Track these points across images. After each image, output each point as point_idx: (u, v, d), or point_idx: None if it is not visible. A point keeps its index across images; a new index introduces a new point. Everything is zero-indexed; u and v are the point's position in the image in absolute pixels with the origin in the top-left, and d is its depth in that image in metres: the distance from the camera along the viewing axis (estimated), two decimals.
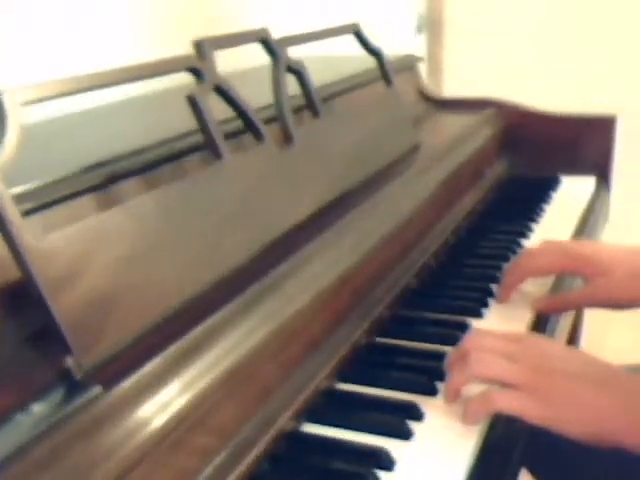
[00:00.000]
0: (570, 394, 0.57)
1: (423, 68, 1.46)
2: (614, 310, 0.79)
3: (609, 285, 0.77)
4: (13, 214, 0.45)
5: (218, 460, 0.52)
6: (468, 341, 0.63)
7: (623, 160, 1.31)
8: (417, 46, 2.21)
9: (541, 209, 1.11)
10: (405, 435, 0.57)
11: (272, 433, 0.56)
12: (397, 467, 0.54)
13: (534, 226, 1.04)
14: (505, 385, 0.59)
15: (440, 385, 0.63)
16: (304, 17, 1.49)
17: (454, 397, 0.61)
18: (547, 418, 0.57)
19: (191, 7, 1.14)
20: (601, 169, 1.27)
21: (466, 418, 0.59)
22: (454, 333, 0.72)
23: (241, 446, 0.54)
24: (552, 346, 0.63)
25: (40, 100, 0.50)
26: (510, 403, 0.57)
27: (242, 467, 0.53)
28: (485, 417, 0.60)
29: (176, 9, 1.11)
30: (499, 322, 0.77)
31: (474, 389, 0.60)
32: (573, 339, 1.31)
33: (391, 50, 1.01)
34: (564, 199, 1.17)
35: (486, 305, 0.80)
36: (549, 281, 0.86)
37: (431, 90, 1.37)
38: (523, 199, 1.14)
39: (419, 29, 2.25)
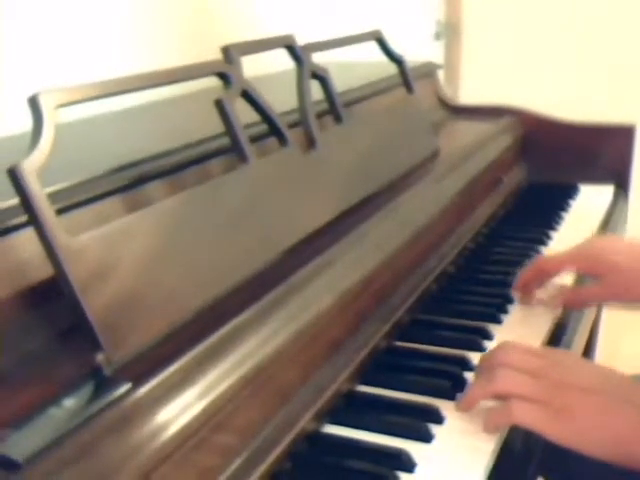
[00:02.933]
0: (591, 413, 0.56)
1: (441, 75, 1.47)
2: (627, 306, 0.80)
3: (618, 282, 0.77)
4: (48, 213, 0.46)
5: (241, 459, 0.53)
6: (494, 356, 0.63)
7: None
8: (435, 53, 2.22)
9: (559, 217, 1.11)
10: (426, 438, 0.58)
11: (294, 433, 0.57)
12: (417, 469, 0.55)
13: (552, 234, 1.05)
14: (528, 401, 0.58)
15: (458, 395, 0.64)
16: (325, 25, 1.50)
17: (469, 408, 0.61)
18: (567, 436, 0.56)
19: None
20: (619, 178, 1.27)
21: (486, 427, 0.59)
22: (474, 338, 0.73)
23: (263, 446, 0.55)
24: (577, 363, 0.62)
25: (74, 102, 0.51)
26: (530, 418, 0.57)
27: (264, 466, 0.53)
28: (505, 427, 0.60)
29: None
30: (518, 328, 0.77)
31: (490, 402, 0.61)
32: (589, 346, 1.31)
33: (409, 56, 1.02)
34: (582, 207, 1.18)
35: (505, 311, 0.80)
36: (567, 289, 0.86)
37: (450, 97, 1.38)
38: (542, 207, 1.14)
39: (437, 36, 2.26)
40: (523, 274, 0.84)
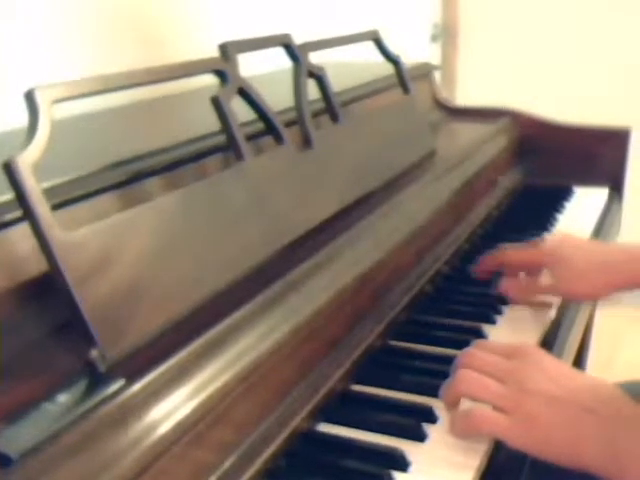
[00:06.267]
0: (551, 420, 0.54)
1: (437, 76, 1.47)
2: (578, 301, 0.81)
3: (570, 278, 0.78)
4: (43, 208, 0.46)
5: (235, 456, 0.53)
6: (461, 356, 0.62)
7: (636, 172, 1.32)
8: (431, 55, 2.22)
9: (554, 219, 1.11)
10: (419, 437, 0.58)
11: (288, 431, 0.57)
12: (411, 468, 0.55)
13: (547, 235, 1.05)
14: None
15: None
16: (322, 28, 1.50)
17: (451, 407, 0.61)
18: (527, 444, 0.55)
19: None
20: (614, 181, 1.28)
21: (454, 434, 0.58)
22: (468, 338, 0.73)
23: (258, 443, 0.54)
24: (546, 365, 0.59)
25: (71, 98, 0.51)
26: (492, 427, 0.56)
27: (259, 463, 0.53)
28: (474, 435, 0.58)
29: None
30: (512, 329, 0.78)
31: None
32: (582, 347, 1.31)
33: (406, 58, 1.02)
34: (577, 209, 1.18)
35: (499, 312, 0.80)
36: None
37: (446, 98, 1.38)
38: (536, 208, 1.14)
39: (434, 38, 2.27)
40: (484, 261, 0.86)
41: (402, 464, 0.55)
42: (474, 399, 0.59)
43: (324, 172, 0.76)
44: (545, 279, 0.83)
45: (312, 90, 0.79)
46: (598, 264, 0.78)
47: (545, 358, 0.61)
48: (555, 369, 0.59)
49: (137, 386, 0.46)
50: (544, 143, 1.29)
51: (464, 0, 2.30)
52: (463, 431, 0.58)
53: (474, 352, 0.62)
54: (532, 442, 0.55)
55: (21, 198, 0.46)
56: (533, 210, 1.14)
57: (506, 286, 0.82)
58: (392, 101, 0.99)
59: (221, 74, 0.66)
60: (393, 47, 0.98)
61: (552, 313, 0.81)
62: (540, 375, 0.58)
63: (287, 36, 0.77)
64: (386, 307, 0.75)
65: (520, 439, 0.55)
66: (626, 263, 0.78)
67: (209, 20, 1.22)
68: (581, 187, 1.27)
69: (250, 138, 0.69)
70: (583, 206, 1.20)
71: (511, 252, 0.85)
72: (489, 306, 0.81)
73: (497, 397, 0.57)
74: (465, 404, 0.60)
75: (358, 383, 0.66)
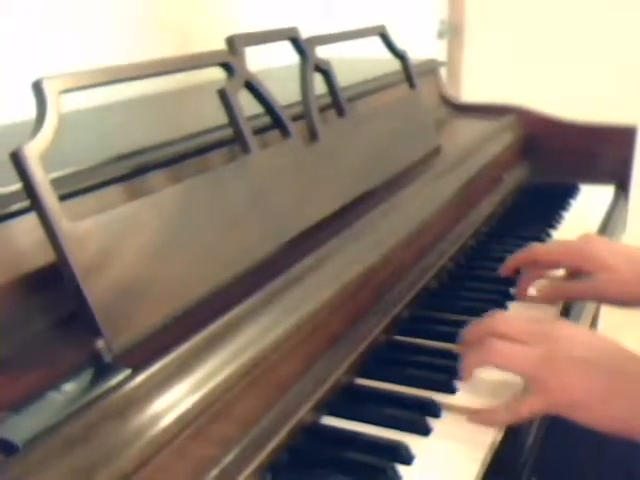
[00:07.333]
0: (583, 383, 0.56)
1: (443, 73, 1.47)
2: (619, 307, 0.79)
3: (613, 282, 0.77)
4: (51, 199, 0.46)
5: (238, 449, 0.53)
6: (489, 323, 0.63)
7: None
8: (437, 51, 2.22)
9: (560, 216, 1.11)
10: (423, 431, 0.58)
11: (292, 424, 0.57)
12: (415, 461, 0.55)
13: (552, 232, 1.05)
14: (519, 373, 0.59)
15: (458, 384, 0.64)
16: (328, 25, 1.50)
17: (469, 376, 0.62)
18: (562, 406, 0.57)
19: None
20: (620, 179, 1.27)
21: (490, 424, 0.59)
22: None
23: (261, 436, 0.55)
24: (573, 331, 0.61)
25: (78, 88, 0.51)
26: (533, 408, 0.58)
27: (262, 457, 0.53)
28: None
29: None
30: None
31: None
32: None
33: (412, 55, 1.02)
34: (583, 207, 1.18)
35: (504, 307, 0.80)
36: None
37: (451, 95, 1.38)
38: (542, 206, 1.14)
39: (440, 35, 2.26)
40: (514, 259, 0.84)
41: (406, 457, 0.55)
42: (503, 369, 0.60)
43: (330, 166, 0.75)
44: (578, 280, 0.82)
45: (318, 85, 0.79)
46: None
47: (569, 325, 0.63)
48: (583, 334, 0.61)
49: (141, 377, 0.46)
50: (550, 140, 1.29)
51: None
52: (506, 422, 0.59)
53: (498, 317, 0.63)
54: (565, 404, 0.57)
55: (29, 188, 0.46)
56: (538, 207, 1.13)
57: (546, 293, 0.81)
58: (398, 97, 0.99)
59: (228, 67, 0.66)
60: (399, 43, 0.98)
61: (557, 308, 0.81)
62: (570, 340, 0.59)
63: (294, 30, 0.77)
64: (390, 303, 0.75)
65: (554, 404, 0.57)
66: None
67: (214, 15, 1.22)
68: (587, 185, 1.26)
69: (257, 132, 0.69)
70: (589, 204, 1.19)
71: (542, 250, 0.83)
72: (494, 302, 0.81)
73: (527, 365, 0.59)
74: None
75: (362, 377, 0.66)
